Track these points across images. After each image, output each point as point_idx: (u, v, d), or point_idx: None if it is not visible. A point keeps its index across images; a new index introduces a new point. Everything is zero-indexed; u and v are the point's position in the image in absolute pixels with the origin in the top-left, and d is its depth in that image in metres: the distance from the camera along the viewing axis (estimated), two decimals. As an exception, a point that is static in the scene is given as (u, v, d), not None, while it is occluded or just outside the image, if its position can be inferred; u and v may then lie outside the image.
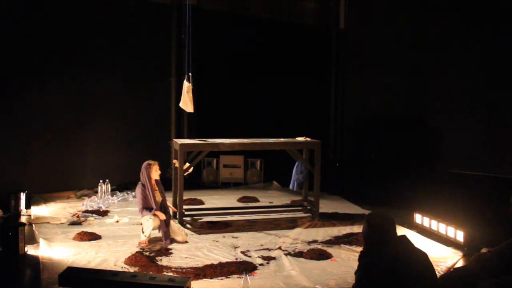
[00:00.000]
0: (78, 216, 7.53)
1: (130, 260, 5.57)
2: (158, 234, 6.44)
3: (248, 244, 6.42)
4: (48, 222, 7.25)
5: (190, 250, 6.10)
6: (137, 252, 5.92)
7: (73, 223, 7.22)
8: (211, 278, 5.16)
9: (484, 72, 9.41)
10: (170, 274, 5.21)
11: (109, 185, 8.77)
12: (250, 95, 11.21)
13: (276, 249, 6.19)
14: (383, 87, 11.25)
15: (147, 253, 5.91)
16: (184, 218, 7.37)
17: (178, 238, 6.41)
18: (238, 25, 11.32)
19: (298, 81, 11.82)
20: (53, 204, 8.51)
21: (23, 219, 7.47)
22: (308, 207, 8.05)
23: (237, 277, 5.20)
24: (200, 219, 7.59)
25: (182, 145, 7.32)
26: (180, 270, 5.37)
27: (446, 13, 10.15)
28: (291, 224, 7.47)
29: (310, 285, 5.03)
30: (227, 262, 5.59)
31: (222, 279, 5.15)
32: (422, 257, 3.45)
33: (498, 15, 9.19)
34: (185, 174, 7.42)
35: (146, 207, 6.33)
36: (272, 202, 8.96)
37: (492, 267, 4.20)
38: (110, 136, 10.03)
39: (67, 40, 9.38)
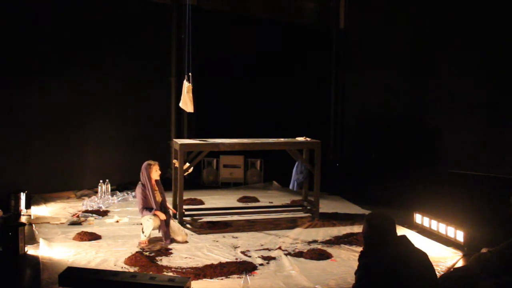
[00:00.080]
0: (78, 216, 7.53)
1: (130, 260, 5.57)
2: (158, 234, 6.44)
3: (248, 244, 6.42)
4: (48, 222, 7.25)
5: (190, 250, 6.10)
6: (137, 252, 5.92)
7: (73, 223, 7.22)
8: (211, 278, 5.16)
9: (484, 72, 9.41)
10: (170, 274, 5.20)
11: (109, 185, 8.77)
12: (250, 95, 11.21)
13: (276, 249, 6.19)
14: (383, 87, 11.25)
15: (147, 253, 5.91)
16: (184, 218, 7.37)
17: (178, 238, 6.41)
18: (238, 25, 11.33)
19: (298, 81, 11.83)
20: (53, 204, 8.51)
21: (23, 219, 7.47)
22: (308, 207, 8.05)
23: (237, 277, 5.20)
24: (200, 219, 7.59)
25: (182, 145, 7.32)
26: (180, 270, 5.37)
27: (446, 13, 10.15)
28: (291, 224, 7.47)
29: (310, 285, 5.03)
30: (227, 262, 5.59)
31: (222, 279, 5.15)
32: (422, 257, 3.45)
33: (498, 15, 9.19)
34: (185, 174, 7.42)
35: (146, 207, 6.33)
36: (272, 202, 8.96)
37: (492, 267, 4.20)
38: (110, 136, 10.03)
39: (67, 40, 9.37)
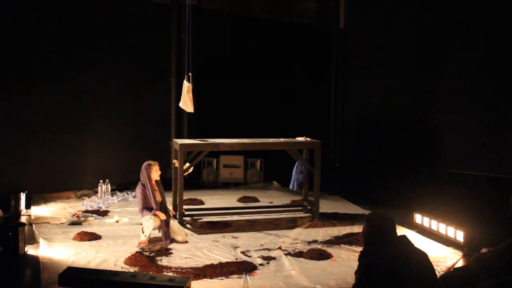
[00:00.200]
0: (78, 216, 7.52)
1: (130, 260, 5.57)
2: (158, 234, 6.44)
3: (248, 244, 6.42)
4: (48, 222, 7.25)
5: (190, 250, 6.10)
6: (137, 252, 5.92)
7: (73, 223, 7.22)
8: (211, 278, 5.16)
9: (484, 72, 9.41)
10: (170, 274, 5.20)
11: (109, 185, 8.77)
12: (250, 95, 11.20)
13: (276, 249, 6.19)
14: (383, 87, 11.25)
15: (147, 253, 5.91)
16: (184, 218, 7.37)
17: (178, 238, 6.41)
18: (238, 25, 11.33)
19: (298, 81, 11.83)
20: (53, 204, 8.50)
21: (23, 219, 7.47)
22: (308, 207, 8.05)
23: (237, 277, 5.20)
24: (200, 219, 7.59)
25: (182, 145, 7.32)
26: (180, 270, 5.37)
27: (446, 13, 10.15)
28: (291, 224, 7.47)
29: (310, 285, 5.03)
30: (227, 262, 5.59)
31: (222, 279, 5.15)
32: (422, 257, 3.45)
33: (498, 15, 9.19)
34: (185, 174, 7.42)
35: (146, 207, 6.33)
36: (272, 202, 8.96)
37: (492, 267, 4.21)
38: (110, 136, 10.02)
39: (67, 40, 9.37)
